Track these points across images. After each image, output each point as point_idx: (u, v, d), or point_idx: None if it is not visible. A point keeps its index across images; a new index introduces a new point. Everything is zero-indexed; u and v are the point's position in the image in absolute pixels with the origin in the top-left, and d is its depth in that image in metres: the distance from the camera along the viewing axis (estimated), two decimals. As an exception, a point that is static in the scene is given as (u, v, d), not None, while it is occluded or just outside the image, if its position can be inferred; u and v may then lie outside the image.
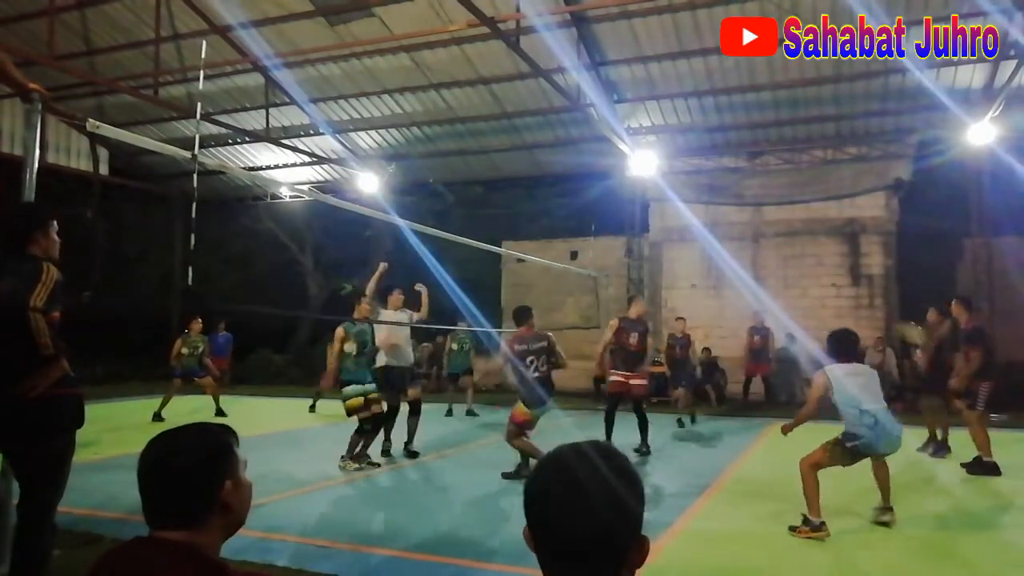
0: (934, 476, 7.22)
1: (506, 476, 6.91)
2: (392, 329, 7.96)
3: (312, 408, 12.29)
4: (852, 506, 5.92)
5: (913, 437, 8.53)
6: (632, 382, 8.39)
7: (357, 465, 7.34)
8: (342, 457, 7.41)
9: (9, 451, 3.28)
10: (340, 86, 14.35)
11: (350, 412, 7.40)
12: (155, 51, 12.43)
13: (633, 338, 8.45)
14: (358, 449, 7.45)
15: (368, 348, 7.58)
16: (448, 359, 13.07)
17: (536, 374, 6.88)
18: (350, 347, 7.38)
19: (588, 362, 15.60)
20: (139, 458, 1.52)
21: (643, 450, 8.26)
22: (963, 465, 7.35)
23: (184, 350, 11.10)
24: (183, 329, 11.67)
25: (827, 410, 5.27)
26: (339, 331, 7.49)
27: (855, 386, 5.20)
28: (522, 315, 7.26)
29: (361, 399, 7.35)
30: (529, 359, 6.90)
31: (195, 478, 1.48)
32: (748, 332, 13.77)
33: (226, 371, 14.32)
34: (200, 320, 11.49)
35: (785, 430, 5.49)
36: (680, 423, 10.96)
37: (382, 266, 8.15)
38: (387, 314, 8.08)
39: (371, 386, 7.49)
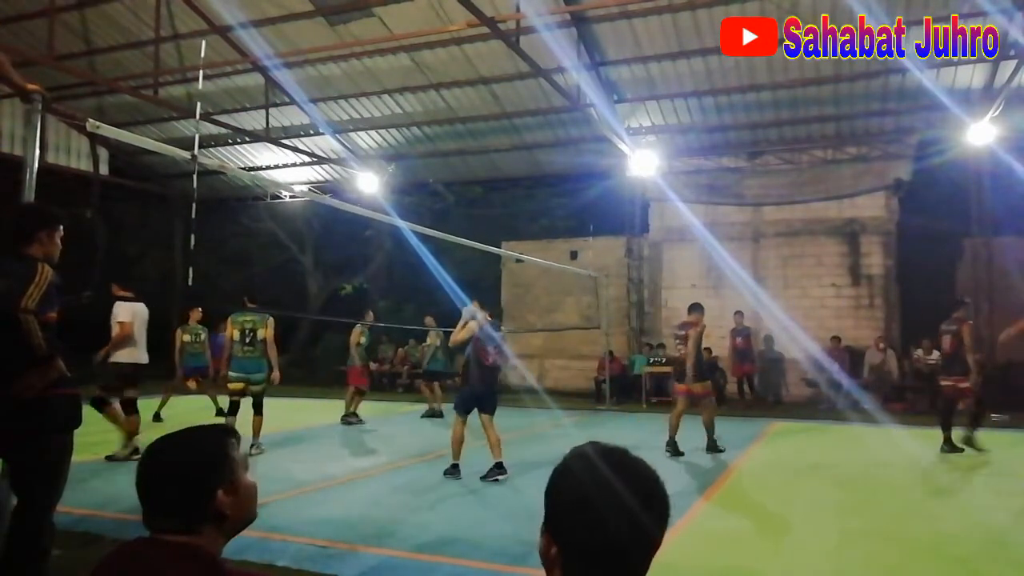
0: (934, 477, 7.22)
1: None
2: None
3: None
4: (853, 505, 5.93)
5: (910, 438, 8.54)
6: None
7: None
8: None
9: (7, 452, 3.26)
10: (340, 86, 14.35)
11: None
12: (155, 51, 12.43)
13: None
14: None
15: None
16: (425, 356, 12.65)
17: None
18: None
19: (587, 362, 15.70)
20: (138, 462, 1.52)
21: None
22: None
23: (186, 337, 10.77)
24: (181, 321, 11.34)
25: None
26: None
27: None
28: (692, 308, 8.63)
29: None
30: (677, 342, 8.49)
31: (187, 489, 1.46)
32: (730, 334, 13.77)
33: (226, 372, 14.22)
34: (200, 310, 11.11)
35: None
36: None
37: None
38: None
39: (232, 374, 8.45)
